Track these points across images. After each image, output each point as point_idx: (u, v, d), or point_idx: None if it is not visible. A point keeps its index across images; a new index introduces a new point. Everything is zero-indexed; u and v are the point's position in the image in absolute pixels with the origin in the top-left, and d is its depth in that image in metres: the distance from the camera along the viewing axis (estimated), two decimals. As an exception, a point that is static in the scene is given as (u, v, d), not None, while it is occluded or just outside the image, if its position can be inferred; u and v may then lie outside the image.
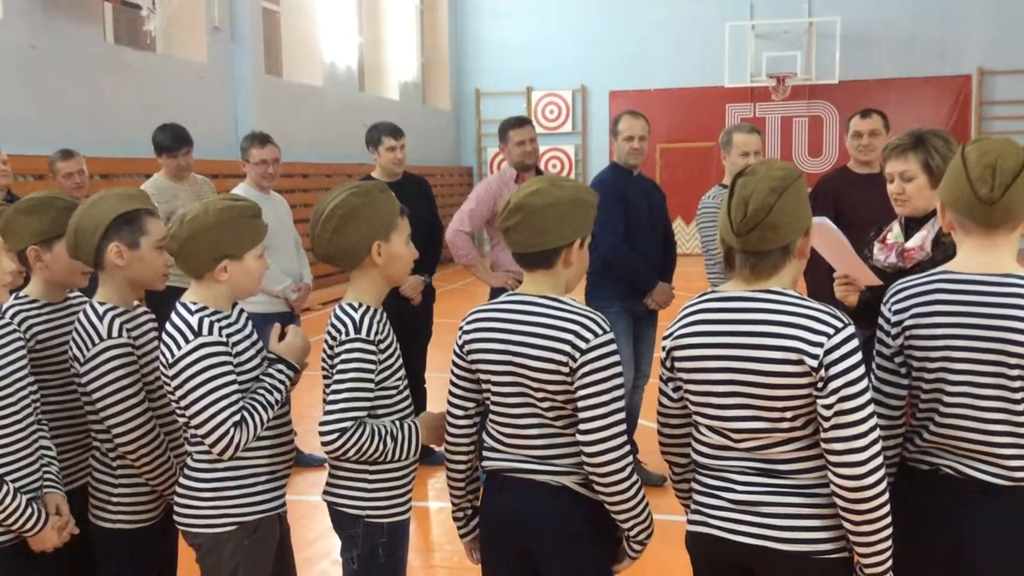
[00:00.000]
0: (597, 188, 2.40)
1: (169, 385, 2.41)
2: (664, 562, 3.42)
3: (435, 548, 4.48)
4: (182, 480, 2.51)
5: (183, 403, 2.37)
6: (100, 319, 2.49)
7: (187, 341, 2.35)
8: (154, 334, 2.64)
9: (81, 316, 2.54)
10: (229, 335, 2.42)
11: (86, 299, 2.66)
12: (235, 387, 2.37)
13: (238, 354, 2.44)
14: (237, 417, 2.34)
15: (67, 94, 8.96)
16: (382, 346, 2.44)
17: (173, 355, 2.36)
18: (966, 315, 2.12)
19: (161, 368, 2.43)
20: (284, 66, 13.77)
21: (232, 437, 2.33)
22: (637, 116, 4.97)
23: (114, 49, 10.10)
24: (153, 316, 2.72)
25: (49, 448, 2.56)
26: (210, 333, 2.36)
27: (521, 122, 5.25)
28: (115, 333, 2.48)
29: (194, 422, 2.36)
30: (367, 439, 2.37)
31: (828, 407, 1.96)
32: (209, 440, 2.34)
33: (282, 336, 2.59)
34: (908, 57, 17.06)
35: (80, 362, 2.49)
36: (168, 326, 2.42)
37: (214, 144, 10.22)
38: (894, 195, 3.12)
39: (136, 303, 2.67)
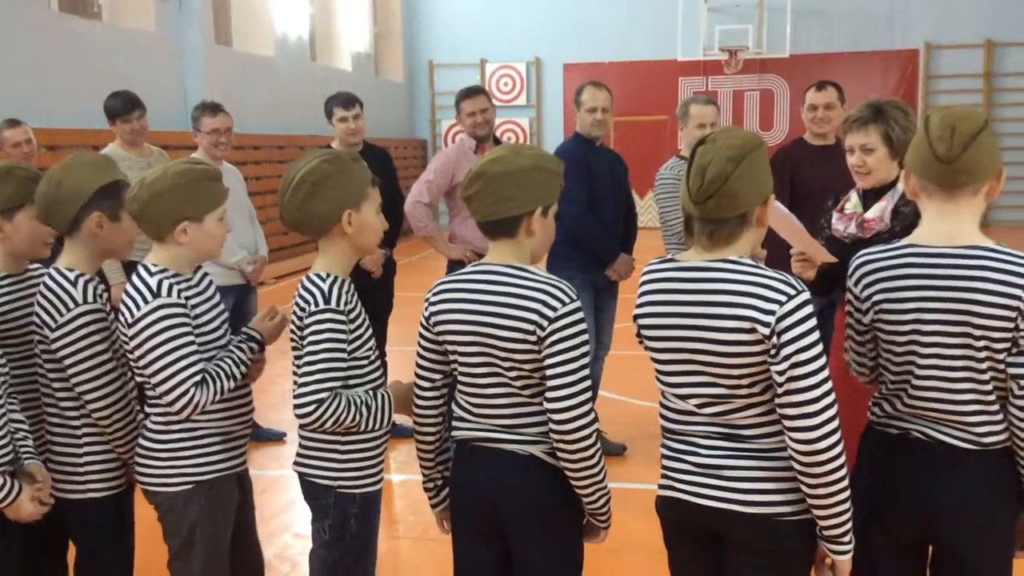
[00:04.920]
0: (561, 158, 2.41)
1: (128, 345, 2.44)
2: (624, 529, 3.47)
3: (399, 520, 4.50)
4: (140, 441, 2.55)
5: (141, 363, 2.41)
6: (73, 284, 2.48)
7: (146, 302, 2.39)
8: (110, 304, 2.65)
9: (48, 282, 2.51)
10: (188, 297, 2.45)
11: (46, 271, 2.62)
12: (194, 347, 2.41)
13: (197, 316, 2.47)
14: (198, 378, 2.38)
15: (11, 63, 8.71)
16: (351, 315, 2.43)
17: (133, 315, 2.39)
18: (932, 288, 2.15)
19: (120, 329, 2.46)
20: (234, 36, 13.51)
21: (192, 396, 2.37)
22: (600, 87, 4.96)
23: (60, 17, 9.82)
24: (107, 287, 2.71)
25: (21, 422, 2.54)
26: (168, 295, 2.39)
27: (471, 92, 5.18)
28: (90, 298, 2.48)
29: (154, 381, 2.39)
30: (343, 409, 2.37)
31: (781, 373, 1.99)
32: (168, 399, 2.38)
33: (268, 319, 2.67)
34: (857, 31, 17.25)
35: (51, 327, 2.47)
36: (128, 287, 2.44)
37: (163, 115, 10.01)
38: (855, 167, 3.16)
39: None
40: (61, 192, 2.49)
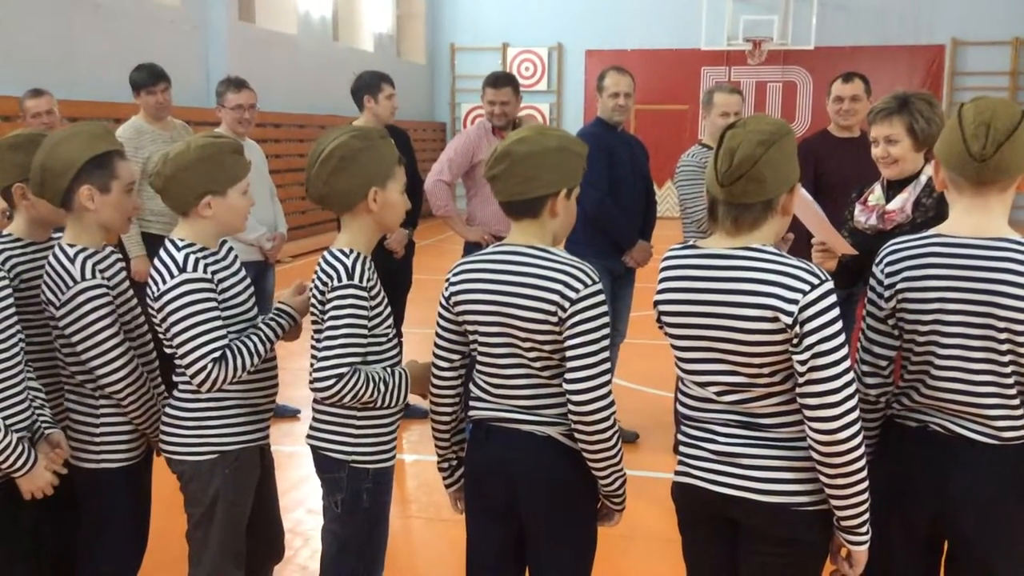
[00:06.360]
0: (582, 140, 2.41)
1: (156, 318, 2.46)
2: (635, 516, 3.48)
3: (412, 500, 4.52)
4: (167, 409, 2.57)
5: (168, 335, 2.44)
6: (72, 261, 2.47)
7: (172, 276, 2.40)
8: (124, 274, 2.67)
9: (51, 259, 2.51)
10: (215, 272, 2.47)
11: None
12: (218, 323, 2.42)
13: (224, 290, 2.48)
14: (217, 354, 2.39)
15: (35, 35, 8.74)
16: (372, 292, 2.44)
17: (159, 289, 2.42)
18: (958, 279, 2.13)
19: (148, 302, 2.48)
20: (257, 13, 13.52)
21: (210, 372, 2.38)
22: (623, 73, 4.94)
23: (84, -11, 9.85)
24: (121, 257, 2.72)
25: (39, 390, 2.55)
26: (194, 269, 2.41)
27: (497, 82, 5.15)
28: (88, 275, 2.47)
29: (178, 353, 2.42)
30: (362, 385, 2.38)
31: (802, 363, 1.98)
32: (189, 372, 2.41)
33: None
34: (883, 25, 17.11)
35: (56, 306, 2.48)
36: (156, 261, 2.46)
37: (185, 91, 10.02)
38: (879, 158, 3.14)
39: (104, 244, 2.64)
40: (52, 163, 2.45)
